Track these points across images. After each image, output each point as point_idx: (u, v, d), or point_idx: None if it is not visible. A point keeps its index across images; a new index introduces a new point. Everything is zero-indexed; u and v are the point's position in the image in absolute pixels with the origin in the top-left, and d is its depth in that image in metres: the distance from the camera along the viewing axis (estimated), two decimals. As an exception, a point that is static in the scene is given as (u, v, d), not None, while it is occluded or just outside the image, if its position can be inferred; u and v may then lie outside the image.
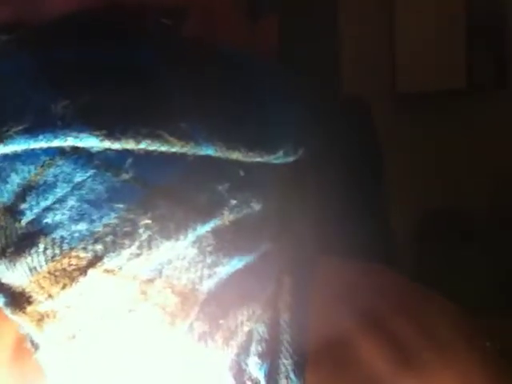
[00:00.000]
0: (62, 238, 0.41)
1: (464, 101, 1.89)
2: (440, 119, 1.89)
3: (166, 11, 0.42)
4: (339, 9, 1.85)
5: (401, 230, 1.72)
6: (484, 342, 0.51)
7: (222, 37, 0.44)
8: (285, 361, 0.47)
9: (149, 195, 0.41)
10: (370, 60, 1.88)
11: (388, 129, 1.75)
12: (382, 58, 1.89)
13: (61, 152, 0.40)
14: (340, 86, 1.82)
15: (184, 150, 0.40)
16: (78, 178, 0.40)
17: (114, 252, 0.41)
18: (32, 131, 0.39)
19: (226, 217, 0.43)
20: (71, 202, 0.40)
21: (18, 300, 0.43)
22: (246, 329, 0.45)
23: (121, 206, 0.40)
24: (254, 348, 0.47)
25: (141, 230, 0.41)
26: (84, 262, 0.41)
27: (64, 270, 0.41)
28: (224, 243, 0.43)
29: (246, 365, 0.46)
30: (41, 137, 0.39)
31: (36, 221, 0.41)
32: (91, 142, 0.39)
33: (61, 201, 0.41)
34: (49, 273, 0.41)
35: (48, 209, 0.41)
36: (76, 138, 0.39)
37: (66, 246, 0.41)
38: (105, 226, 0.40)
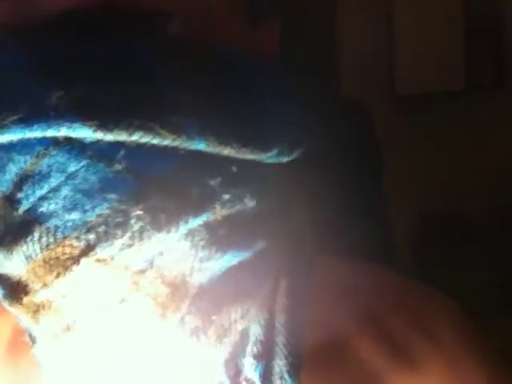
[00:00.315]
0: (56, 226, 0.42)
1: (463, 101, 1.90)
2: (439, 120, 1.89)
3: (157, 11, 0.43)
4: (338, 10, 1.85)
5: (401, 230, 1.72)
6: (484, 342, 0.52)
7: (217, 36, 0.45)
8: (279, 362, 0.47)
9: (141, 187, 0.41)
10: (369, 62, 1.88)
11: (388, 129, 1.75)
12: (381, 60, 1.90)
13: (55, 142, 0.41)
14: (339, 88, 1.82)
15: (176, 143, 0.41)
16: (71, 168, 0.41)
17: (106, 242, 0.41)
18: (27, 121, 0.40)
19: (219, 211, 0.43)
20: (65, 191, 0.41)
21: (16, 290, 0.44)
22: (239, 327, 0.46)
23: (113, 196, 0.41)
24: (250, 349, 0.47)
25: (132, 221, 0.41)
26: (77, 251, 0.42)
27: (58, 258, 0.42)
28: (217, 238, 0.43)
29: (242, 365, 0.47)
30: (35, 126, 0.40)
31: (32, 210, 0.42)
32: (84, 132, 0.40)
33: (55, 190, 0.42)
34: (44, 261, 0.42)
35: (43, 198, 0.42)
36: (69, 128, 0.40)
37: (59, 235, 0.42)
38: (97, 215, 0.41)
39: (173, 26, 0.43)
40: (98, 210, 0.41)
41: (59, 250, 0.42)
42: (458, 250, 1.81)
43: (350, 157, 1.40)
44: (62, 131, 0.40)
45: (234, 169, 0.43)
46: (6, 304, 0.45)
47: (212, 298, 0.45)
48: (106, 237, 0.41)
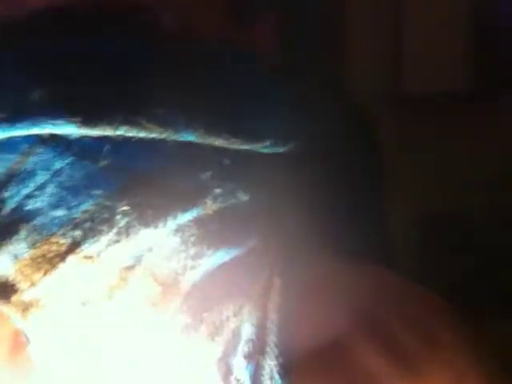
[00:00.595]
0: (43, 224, 0.42)
1: (464, 101, 1.89)
2: (441, 120, 1.88)
3: (146, 7, 0.43)
4: (345, 9, 1.85)
5: (400, 230, 1.71)
6: (483, 344, 0.51)
7: (204, 33, 0.45)
8: (270, 362, 0.47)
9: (126, 182, 0.41)
10: (374, 60, 1.88)
11: (389, 129, 1.75)
12: (385, 58, 1.89)
13: (40, 140, 0.41)
14: (343, 85, 1.82)
15: (163, 136, 0.41)
16: (56, 166, 0.41)
17: (92, 238, 0.41)
18: (11, 120, 0.40)
19: (210, 206, 0.43)
20: (50, 188, 0.41)
21: (4, 290, 0.44)
22: (232, 325, 0.46)
23: (98, 192, 0.41)
24: (241, 348, 0.47)
25: (118, 217, 0.41)
26: (63, 248, 0.42)
27: (44, 256, 0.42)
28: (208, 233, 0.43)
29: (233, 365, 0.46)
30: (19, 125, 0.40)
31: (18, 208, 0.42)
32: (68, 129, 0.40)
33: (41, 188, 0.41)
34: (31, 259, 0.42)
35: (29, 196, 0.42)
36: (53, 125, 0.40)
37: (45, 233, 0.41)
38: (83, 212, 0.41)
39: (162, 21, 0.43)
40: (83, 207, 0.41)
41: (46, 247, 0.42)
42: (458, 249, 1.81)
43: (349, 156, 1.39)
44: (47, 129, 0.40)
45: (226, 161, 0.43)
46: None
47: (203, 295, 0.44)
48: (92, 233, 0.41)
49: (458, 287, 1.47)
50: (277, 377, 0.47)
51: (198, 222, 0.43)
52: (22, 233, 0.42)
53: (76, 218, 0.41)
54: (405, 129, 1.88)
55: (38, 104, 0.40)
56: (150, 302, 0.43)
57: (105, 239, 0.41)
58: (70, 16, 0.42)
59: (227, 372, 0.46)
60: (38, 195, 0.42)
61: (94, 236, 0.41)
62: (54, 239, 0.42)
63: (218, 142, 0.42)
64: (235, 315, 0.46)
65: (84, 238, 0.41)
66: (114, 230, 0.41)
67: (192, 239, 0.43)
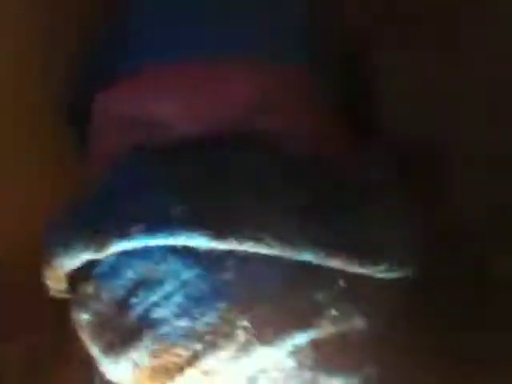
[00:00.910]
0: (167, 333, 0.42)
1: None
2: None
3: (273, 133, 0.45)
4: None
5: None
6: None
7: (327, 152, 0.46)
8: None
9: (248, 297, 0.42)
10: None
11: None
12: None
13: (173, 250, 0.42)
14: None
15: (282, 253, 0.42)
16: (184, 276, 0.42)
17: (212, 353, 0.42)
18: (153, 230, 0.42)
19: (326, 328, 0.43)
20: (176, 298, 0.42)
21: None
22: None
23: (221, 305, 0.42)
24: None
25: (239, 332, 0.42)
26: (183, 360, 0.42)
27: (164, 366, 0.42)
28: (324, 358, 0.43)
29: None
30: (160, 235, 0.42)
31: (144, 315, 0.43)
32: (201, 241, 0.41)
33: (167, 297, 0.42)
34: (152, 369, 0.43)
35: (155, 304, 0.43)
36: (188, 237, 0.41)
37: (168, 343, 0.42)
38: (206, 324, 0.42)
39: (285, 149, 0.45)
40: (206, 319, 0.42)
41: (166, 357, 0.42)
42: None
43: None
44: (182, 240, 0.42)
45: (342, 283, 0.43)
46: None
47: None
48: (212, 347, 0.42)
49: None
50: None
51: (315, 344, 0.43)
52: (146, 340, 0.43)
53: (198, 330, 0.42)
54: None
55: (178, 217, 0.41)
56: None
57: (224, 355, 0.42)
58: (212, 146, 0.44)
59: None
60: (164, 304, 0.42)
61: (213, 351, 0.42)
62: (175, 350, 0.42)
63: (335, 264, 0.43)
64: None
65: (204, 352, 0.42)
66: (234, 347, 0.42)
67: (308, 363, 0.43)
